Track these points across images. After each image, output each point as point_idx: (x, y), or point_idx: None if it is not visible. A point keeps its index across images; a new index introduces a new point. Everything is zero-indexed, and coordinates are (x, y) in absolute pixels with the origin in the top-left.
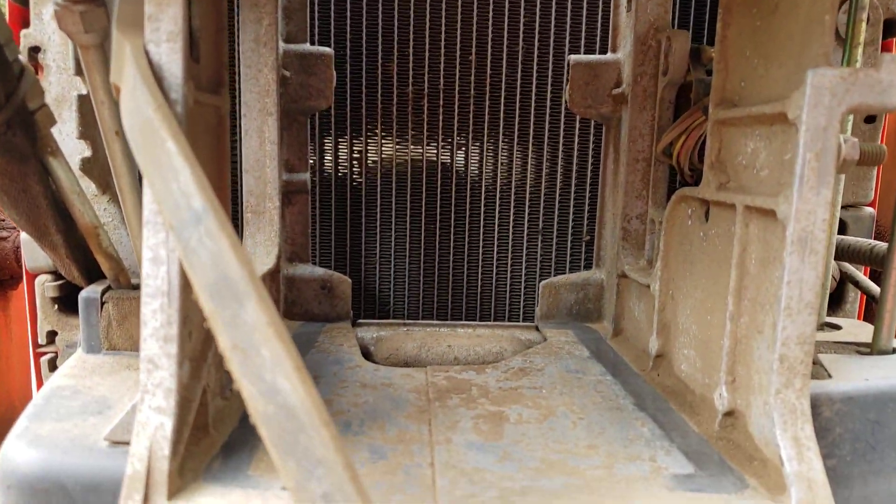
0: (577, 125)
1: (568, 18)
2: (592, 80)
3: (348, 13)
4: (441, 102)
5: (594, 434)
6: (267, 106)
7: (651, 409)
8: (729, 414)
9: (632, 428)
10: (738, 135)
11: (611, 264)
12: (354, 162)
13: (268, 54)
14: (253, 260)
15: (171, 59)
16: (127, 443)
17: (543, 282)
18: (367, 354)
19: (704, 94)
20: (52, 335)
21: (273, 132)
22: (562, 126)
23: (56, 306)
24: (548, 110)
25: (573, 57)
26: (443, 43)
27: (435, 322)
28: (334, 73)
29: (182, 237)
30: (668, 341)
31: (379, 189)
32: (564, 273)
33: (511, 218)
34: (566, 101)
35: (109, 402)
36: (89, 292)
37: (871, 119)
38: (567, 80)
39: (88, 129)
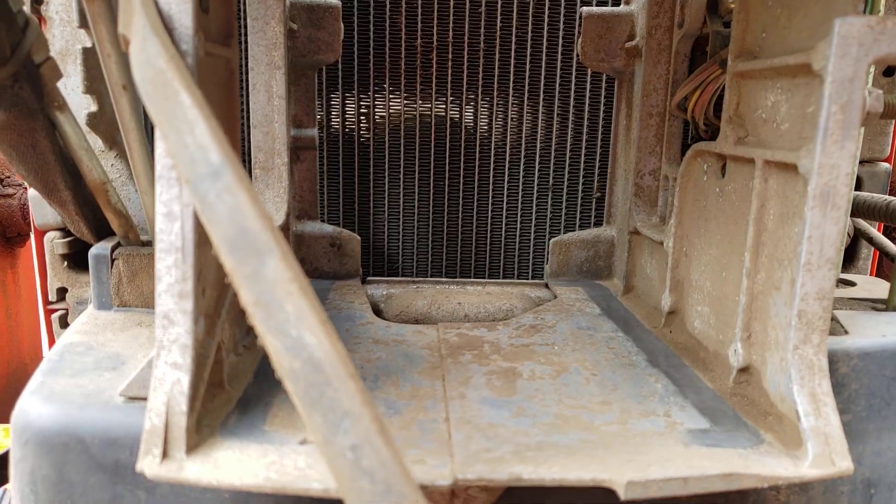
0: (589, 79)
1: None
2: (605, 33)
3: None
4: (450, 56)
5: (607, 390)
6: (275, 59)
7: (664, 365)
8: (744, 370)
9: (645, 384)
10: (757, 88)
11: (622, 221)
12: (362, 118)
13: (275, 6)
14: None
15: (181, 8)
16: (143, 398)
17: (553, 239)
18: (377, 311)
19: (721, 47)
20: (62, 292)
21: (281, 87)
22: (573, 80)
23: (66, 263)
24: (559, 64)
25: (585, 9)
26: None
27: (444, 280)
28: (342, 25)
29: (199, 192)
30: (681, 298)
31: (387, 145)
32: (574, 228)
33: (521, 174)
34: (578, 55)
35: (123, 357)
36: (99, 249)
37: (889, 72)
38: (579, 32)
39: (94, 83)
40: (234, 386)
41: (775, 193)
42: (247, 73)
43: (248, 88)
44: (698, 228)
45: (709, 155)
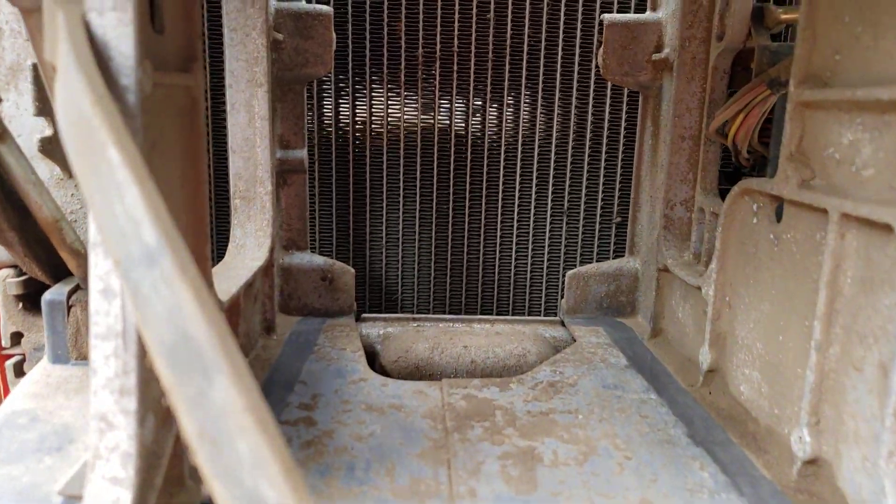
0: (609, 94)
1: None
2: (630, 44)
3: None
4: (455, 68)
5: (646, 481)
6: (256, 76)
7: (707, 441)
8: (811, 462)
9: (689, 471)
10: (829, 121)
11: (647, 253)
12: (358, 134)
13: (256, 15)
14: (250, 252)
15: (120, 32)
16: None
17: (570, 272)
18: (372, 355)
19: (769, 64)
20: (17, 337)
21: (263, 106)
22: (591, 94)
23: (21, 305)
24: (575, 76)
25: (607, 16)
26: (457, 8)
27: (448, 317)
28: (334, 35)
29: (130, 279)
30: (724, 356)
31: (385, 165)
32: (591, 259)
33: (533, 196)
34: (598, 67)
35: (72, 432)
36: (54, 294)
37: None
38: (598, 42)
39: (48, 103)
40: (199, 480)
41: (856, 253)
42: (223, 91)
43: (226, 108)
44: (745, 277)
45: (760, 195)
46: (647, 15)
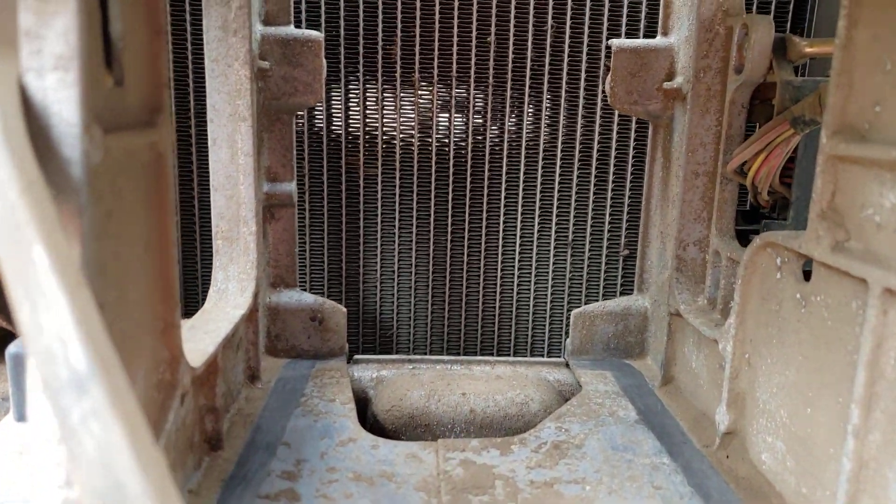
0: (616, 120)
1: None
2: (639, 71)
3: None
4: (453, 93)
5: None
6: (239, 109)
7: None
8: None
9: None
10: (867, 179)
11: (658, 292)
12: (351, 158)
13: (238, 45)
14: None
15: (63, 96)
16: None
17: (576, 311)
18: (364, 402)
19: (792, 101)
20: None
21: (247, 141)
22: (597, 121)
23: None
24: (581, 101)
25: (615, 42)
26: (455, 21)
27: (446, 358)
28: (324, 62)
29: (58, 406)
30: (743, 418)
31: (380, 193)
32: (597, 293)
33: (535, 227)
34: (605, 95)
35: None
36: (18, 347)
37: None
38: (605, 66)
39: None
40: None
41: None
42: (204, 125)
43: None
44: (768, 336)
45: (785, 250)
46: (658, 40)
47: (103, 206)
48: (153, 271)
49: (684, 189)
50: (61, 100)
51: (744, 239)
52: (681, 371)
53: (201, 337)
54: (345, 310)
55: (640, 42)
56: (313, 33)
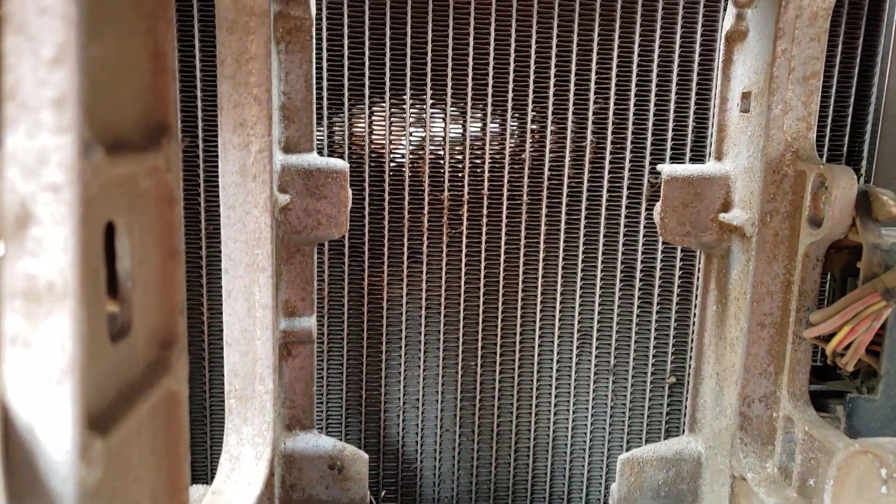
0: (661, 241)
1: (651, 109)
2: (692, 201)
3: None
4: (485, 212)
5: None
6: (257, 259)
7: None
8: None
9: None
10: None
11: (713, 438)
12: (375, 291)
13: (259, 190)
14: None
15: (54, 416)
16: None
17: (623, 456)
18: None
19: (882, 267)
20: None
21: (266, 294)
22: (640, 240)
23: None
24: (622, 220)
25: (666, 168)
26: (487, 145)
27: None
28: (350, 192)
29: None
30: None
31: (404, 332)
32: (641, 425)
33: (574, 352)
34: (656, 223)
35: None
36: None
37: None
38: (650, 183)
39: None
40: None
41: None
42: (218, 275)
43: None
44: None
45: (890, 462)
46: (712, 166)
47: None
48: None
49: (749, 342)
50: (51, 422)
51: (817, 399)
52: None
53: None
54: (366, 456)
55: (692, 169)
56: (339, 163)
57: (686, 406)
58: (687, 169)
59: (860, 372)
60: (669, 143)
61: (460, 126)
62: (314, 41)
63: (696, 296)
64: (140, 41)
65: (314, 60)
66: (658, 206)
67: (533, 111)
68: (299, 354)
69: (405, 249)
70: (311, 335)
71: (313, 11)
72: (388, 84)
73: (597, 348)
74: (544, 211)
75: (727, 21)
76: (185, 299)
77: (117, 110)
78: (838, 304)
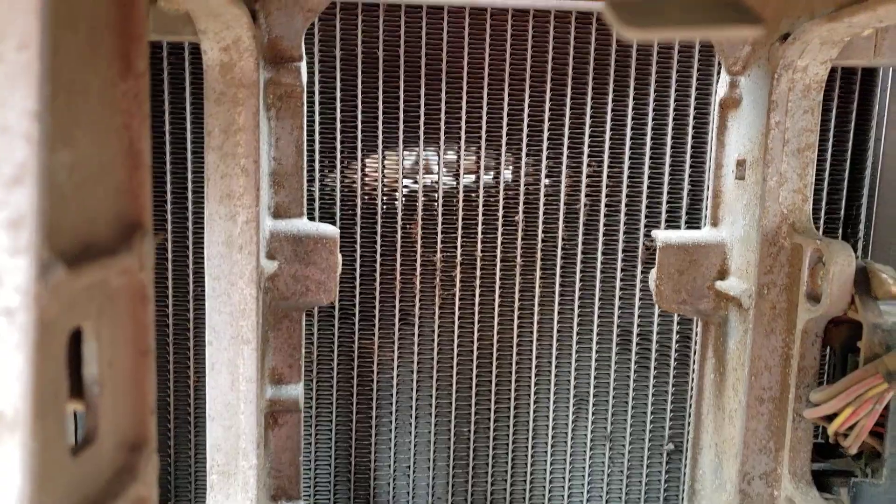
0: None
1: (646, 172)
2: (688, 268)
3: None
4: (478, 273)
5: None
6: (242, 331)
7: None
8: None
9: None
10: None
11: None
12: (366, 363)
13: (244, 262)
14: None
15: None
16: None
17: None
18: None
19: (882, 348)
20: None
21: (250, 366)
22: (636, 305)
23: None
24: (618, 282)
25: (660, 235)
26: (481, 206)
27: None
28: (339, 258)
29: None
30: None
31: (395, 397)
32: (639, 495)
33: (569, 419)
34: (652, 291)
35: None
36: None
37: None
38: (645, 246)
39: None
40: None
41: None
42: (202, 348)
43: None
44: None
45: None
46: (707, 233)
47: None
48: None
49: (747, 417)
50: None
51: (819, 478)
52: None
53: None
54: None
55: (687, 235)
56: (329, 228)
57: (685, 475)
58: (682, 235)
59: (864, 453)
60: (664, 207)
61: (454, 183)
62: (305, 107)
63: (694, 360)
64: (115, 137)
65: (305, 126)
66: (653, 273)
67: (526, 174)
68: (286, 423)
69: (396, 312)
70: (297, 404)
71: (304, 79)
72: (380, 139)
73: (593, 414)
74: (538, 273)
75: (721, 88)
76: (155, 399)
77: (88, 214)
78: (840, 385)
